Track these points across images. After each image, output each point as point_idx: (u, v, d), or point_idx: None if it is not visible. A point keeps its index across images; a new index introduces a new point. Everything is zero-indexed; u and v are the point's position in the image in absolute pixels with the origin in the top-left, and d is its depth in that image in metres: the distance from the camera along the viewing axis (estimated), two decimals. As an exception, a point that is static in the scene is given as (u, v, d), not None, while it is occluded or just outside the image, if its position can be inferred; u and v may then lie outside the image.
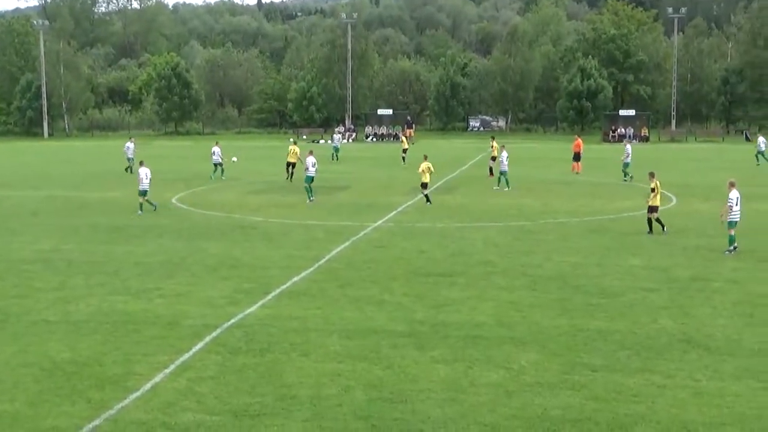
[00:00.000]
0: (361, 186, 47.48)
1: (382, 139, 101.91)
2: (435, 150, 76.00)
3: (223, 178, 52.14)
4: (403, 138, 71.10)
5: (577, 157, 54.38)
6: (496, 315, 19.67)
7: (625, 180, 49.66)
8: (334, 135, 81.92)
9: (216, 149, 53.14)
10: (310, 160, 40.57)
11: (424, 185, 39.74)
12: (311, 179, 40.33)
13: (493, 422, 13.42)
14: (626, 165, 50.35)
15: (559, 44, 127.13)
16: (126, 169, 55.87)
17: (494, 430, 13.13)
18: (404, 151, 65.34)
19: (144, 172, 37.59)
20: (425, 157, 41.21)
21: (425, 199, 39.53)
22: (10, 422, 13.72)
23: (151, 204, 37.62)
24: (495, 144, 54.34)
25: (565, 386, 14.96)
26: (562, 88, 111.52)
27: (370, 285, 22.81)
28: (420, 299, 21.19)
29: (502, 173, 45.96)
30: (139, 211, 36.96)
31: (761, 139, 62.93)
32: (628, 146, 51.96)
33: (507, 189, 45.01)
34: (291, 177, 50.56)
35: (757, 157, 62.49)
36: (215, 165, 52.58)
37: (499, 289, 22.38)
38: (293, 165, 50.60)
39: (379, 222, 34.07)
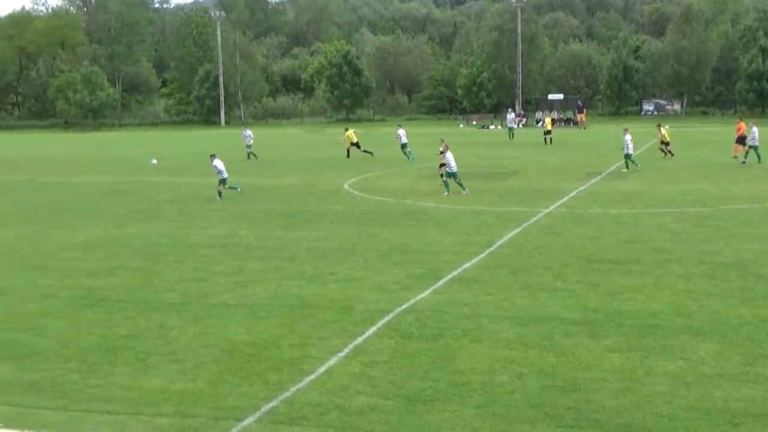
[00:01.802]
0: (532, 171, 47.00)
1: (554, 124, 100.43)
2: (607, 134, 74.60)
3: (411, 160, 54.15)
4: (547, 120, 74.40)
5: (740, 140, 52.23)
6: (672, 304, 19.13)
7: (744, 162, 48.11)
8: (508, 116, 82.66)
9: (401, 132, 56.79)
10: (450, 154, 38.60)
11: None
12: (452, 174, 38.37)
13: (670, 413, 13.06)
14: (755, 147, 48.38)
15: (737, 23, 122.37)
16: (248, 156, 58.61)
17: (672, 422, 12.77)
18: (546, 133, 68.64)
19: (220, 164, 38.95)
20: (442, 141, 41.50)
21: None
22: (193, 401, 14.20)
23: (228, 189, 38.97)
24: (664, 130, 53.19)
25: (747, 378, 14.41)
26: (741, 70, 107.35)
27: (542, 271, 22.56)
28: (593, 287, 20.83)
29: (626, 156, 45.85)
30: (218, 198, 38.40)
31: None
32: (755, 128, 49.52)
33: (626, 170, 45.30)
34: (349, 154, 56.96)
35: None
36: (403, 146, 55.67)
37: (675, 277, 21.75)
38: (354, 145, 56.87)
39: (551, 208, 33.67)
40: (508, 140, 72.89)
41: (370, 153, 56.91)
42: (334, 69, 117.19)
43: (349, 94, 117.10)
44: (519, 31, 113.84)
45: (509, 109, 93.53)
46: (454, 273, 22.62)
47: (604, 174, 44.70)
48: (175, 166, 56.16)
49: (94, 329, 18.49)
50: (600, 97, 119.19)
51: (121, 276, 23.66)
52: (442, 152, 40.13)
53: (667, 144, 52.33)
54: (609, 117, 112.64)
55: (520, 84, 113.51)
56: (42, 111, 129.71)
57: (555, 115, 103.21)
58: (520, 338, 16.90)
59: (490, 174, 46.17)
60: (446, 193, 37.63)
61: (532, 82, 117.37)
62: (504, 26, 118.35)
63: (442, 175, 39.45)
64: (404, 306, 19.40)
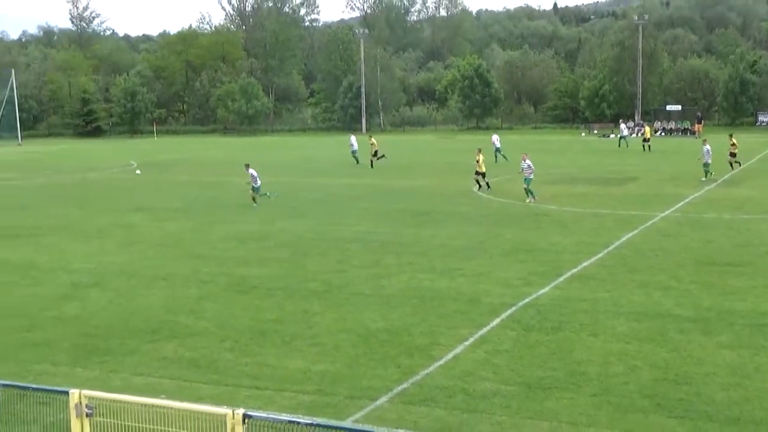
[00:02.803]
0: (649, 177, 45.97)
1: (671, 134, 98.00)
2: (721, 144, 72.25)
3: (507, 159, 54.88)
4: (646, 129, 75.26)
5: None
6: (783, 305, 18.47)
7: None
8: (622, 125, 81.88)
9: (495, 137, 59.72)
10: (527, 162, 37.11)
11: (482, 174, 40.94)
12: (529, 181, 36.92)
13: (779, 408, 12.63)
14: None
15: None
16: (357, 161, 58.87)
17: (780, 417, 12.35)
18: (646, 140, 68.75)
19: (254, 173, 37.72)
20: (479, 151, 42.05)
21: (477, 185, 41.30)
22: (332, 381, 14.41)
23: (260, 197, 37.63)
24: (735, 140, 50.16)
25: None
26: None
27: (657, 272, 22.06)
28: (706, 287, 20.26)
29: (704, 165, 44.12)
30: (255, 204, 37.20)
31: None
32: None
33: (705, 179, 43.43)
34: (372, 164, 56.15)
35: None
36: (496, 150, 57.84)
37: (787, 279, 20.98)
38: (375, 154, 56.68)
39: (667, 212, 32.87)
40: (622, 148, 71.22)
41: (381, 157, 57.05)
42: (466, 81, 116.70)
43: (480, 104, 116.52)
44: (640, 46, 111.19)
45: (621, 120, 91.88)
46: (574, 271, 22.35)
47: (719, 181, 43.37)
48: (322, 168, 56.89)
49: (246, 313, 18.95)
50: (716, 108, 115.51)
51: (270, 266, 24.17)
52: (478, 160, 40.89)
53: (734, 155, 49.43)
54: (724, 127, 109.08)
55: (639, 96, 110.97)
56: (204, 118, 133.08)
57: (673, 125, 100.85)
58: (635, 333, 16.59)
59: (610, 179, 45.38)
60: (529, 200, 36.50)
61: (651, 94, 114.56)
62: (625, 42, 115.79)
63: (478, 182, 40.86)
64: (526, 300, 19.28)
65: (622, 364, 14.82)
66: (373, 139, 59.15)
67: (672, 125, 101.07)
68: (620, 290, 20.08)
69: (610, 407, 12.90)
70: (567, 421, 12.47)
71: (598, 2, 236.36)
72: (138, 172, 57.39)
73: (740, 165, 48.96)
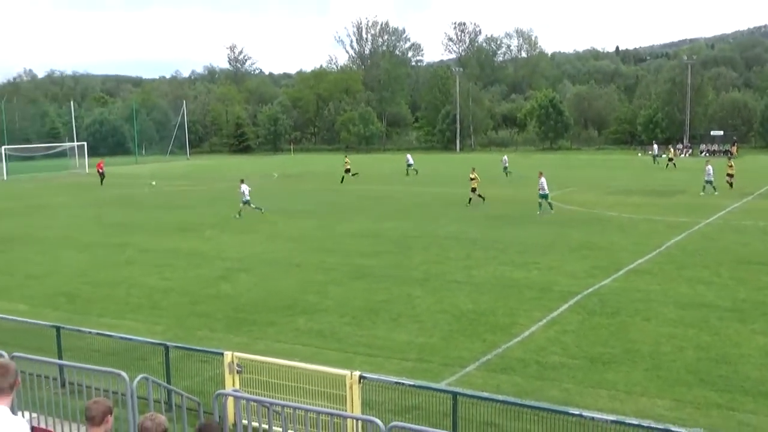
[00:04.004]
0: (695, 190, 44.46)
1: (714, 155, 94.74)
2: (756, 163, 69.74)
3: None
4: (670, 149, 74.58)
5: None
6: (810, 299, 17.63)
7: None
8: (655, 146, 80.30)
9: (505, 158, 60.32)
10: (543, 180, 34.92)
11: (473, 189, 38.76)
12: (544, 196, 34.94)
13: (806, 386, 12.07)
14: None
15: None
16: (407, 173, 59.38)
17: (807, 393, 11.80)
18: (670, 159, 66.88)
19: (245, 188, 35.62)
20: (473, 170, 40.08)
21: (469, 199, 38.67)
22: (430, 351, 14.42)
23: (243, 210, 35.57)
24: (732, 163, 47.40)
25: None
26: None
27: (701, 269, 21.36)
28: (743, 282, 19.52)
29: (707, 182, 42.27)
30: (238, 215, 35.20)
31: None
32: None
33: (703, 194, 41.59)
34: (342, 180, 55.02)
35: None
36: (504, 169, 58.16)
37: (814, 277, 20.02)
38: (348, 171, 56.56)
39: (710, 219, 31.76)
40: (660, 166, 68.71)
41: (356, 173, 57.04)
42: (542, 110, 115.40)
43: (553, 129, 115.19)
44: (689, 82, 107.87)
45: (654, 141, 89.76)
46: (630, 266, 21.83)
47: (755, 194, 41.73)
48: (422, 179, 56.91)
49: (362, 295, 19.10)
50: (753, 133, 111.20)
51: (381, 258, 24.29)
52: (472, 177, 38.97)
53: (731, 176, 45.98)
54: (759, 149, 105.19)
55: (688, 123, 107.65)
56: (330, 138, 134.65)
57: (716, 147, 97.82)
58: (681, 319, 16.11)
59: (662, 192, 44.10)
60: (540, 213, 34.55)
61: (697, 121, 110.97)
62: (676, 78, 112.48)
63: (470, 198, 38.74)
64: (590, 290, 18.93)
65: (671, 344, 14.41)
66: (347, 159, 60.03)
67: (715, 147, 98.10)
68: (669, 283, 19.52)
69: (660, 380, 12.56)
70: (623, 390, 12.20)
71: (653, 45, 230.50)
72: (153, 183, 57.73)
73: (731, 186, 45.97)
